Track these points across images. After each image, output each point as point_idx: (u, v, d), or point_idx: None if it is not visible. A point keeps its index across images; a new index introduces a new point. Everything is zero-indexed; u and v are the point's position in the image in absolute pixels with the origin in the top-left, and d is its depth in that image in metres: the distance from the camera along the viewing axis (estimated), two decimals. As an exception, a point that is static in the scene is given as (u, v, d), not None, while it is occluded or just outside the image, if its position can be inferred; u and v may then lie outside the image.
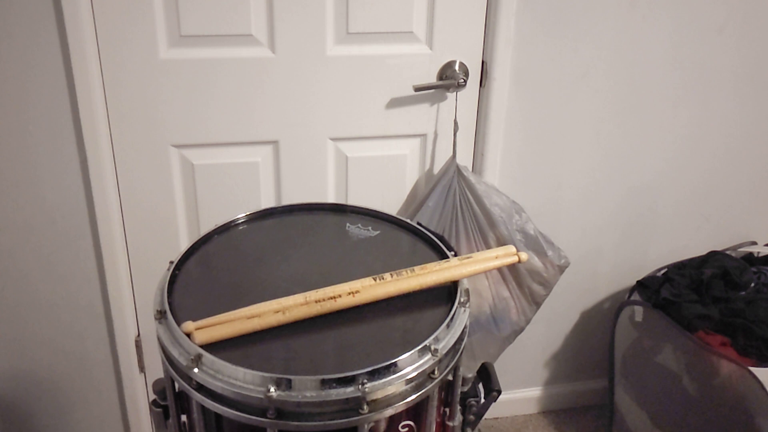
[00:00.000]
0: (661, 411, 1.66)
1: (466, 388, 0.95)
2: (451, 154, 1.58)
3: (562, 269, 1.63)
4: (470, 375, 0.96)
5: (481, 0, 1.49)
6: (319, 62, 1.46)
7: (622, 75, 1.62)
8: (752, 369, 1.42)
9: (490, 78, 1.55)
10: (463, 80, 1.52)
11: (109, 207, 1.48)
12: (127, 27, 1.35)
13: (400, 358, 0.78)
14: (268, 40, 1.43)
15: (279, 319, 0.83)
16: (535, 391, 2.03)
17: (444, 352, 0.82)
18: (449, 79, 1.52)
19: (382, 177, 1.61)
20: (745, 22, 1.62)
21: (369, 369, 0.76)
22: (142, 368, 1.68)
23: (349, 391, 0.75)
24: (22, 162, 1.41)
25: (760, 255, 1.82)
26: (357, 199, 1.61)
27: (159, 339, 0.83)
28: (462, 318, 0.87)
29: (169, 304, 0.86)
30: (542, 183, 1.71)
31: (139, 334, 1.65)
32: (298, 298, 0.86)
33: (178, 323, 0.81)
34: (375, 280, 0.89)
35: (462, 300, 0.89)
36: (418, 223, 1.07)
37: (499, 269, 1.60)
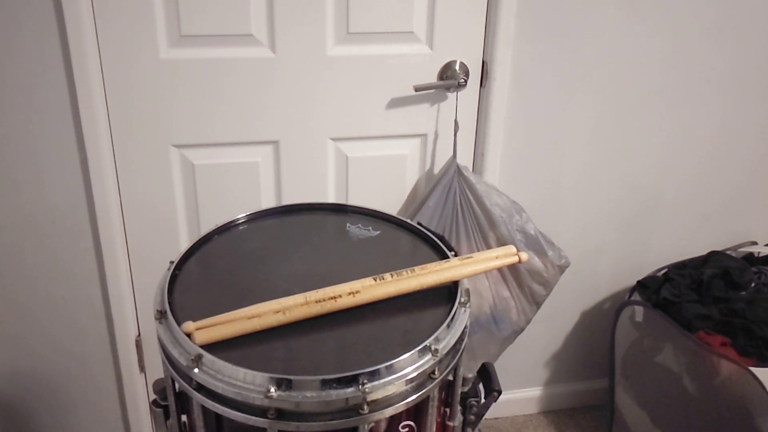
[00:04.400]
0: (661, 411, 1.66)
1: (466, 388, 0.95)
2: (451, 154, 1.58)
3: (562, 269, 1.63)
4: (470, 375, 0.96)
5: (482, 0, 1.49)
6: (319, 62, 1.46)
7: (621, 75, 1.62)
8: (752, 369, 1.42)
9: (491, 78, 1.55)
10: (463, 80, 1.52)
11: (110, 207, 1.48)
12: (127, 27, 1.35)
13: (401, 358, 0.78)
14: (269, 40, 1.43)
15: (279, 319, 0.83)
16: (535, 391, 2.03)
17: (444, 352, 0.81)
18: (449, 79, 1.52)
19: (383, 177, 1.61)
20: (744, 22, 1.62)
21: (369, 369, 0.75)
22: (142, 368, 1.68)
23: (349, 391, 0.75)
24: (22, 162, 1.41)
25: (761, 255, 1.82)
26: (357, 199, 1.61)
27: (159, 339, 0.83)
28: (462, 318, 0.87)
29: (170, 304, 0.86)
30: (542, 183, 1.71)
31: (139, 334, 1.65)
32: (298, 298, 0.86)
33: (179, 323, 0.81)
34: (375, 280, 0.89)
35: (462, 300, 0.89)
36: (419, 223, 1.07)
37: (500, 269, 1.60)
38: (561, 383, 2.04)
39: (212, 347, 0.79)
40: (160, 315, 0.85)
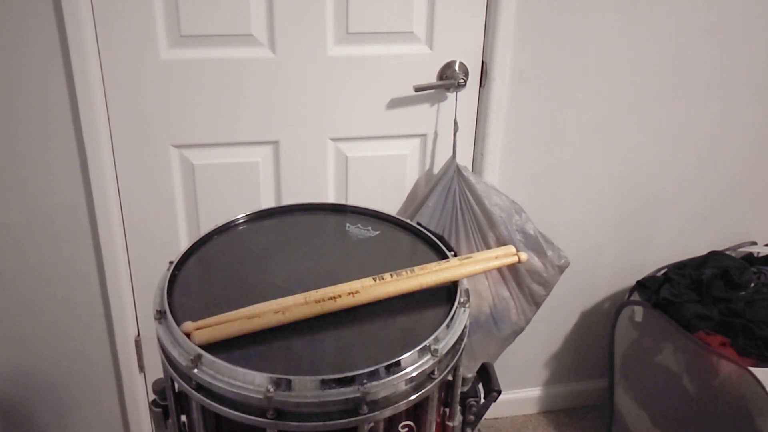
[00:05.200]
0: (661, 411, 1.66)
1: (466, 388, 0.95)
2: (451, 154, 1.58)
3: (561, 269, 1.63)
4: (470, 375, 0.96)
5: (481, 0, 1.49)
6: (319, 62, 1.46)
7: (620, 75, 1.62)
8: (752, 369, 1.42)
9: (490, 78, 1.55)
10: (463, 80, 1.52)
11: (109, 207, 1.48)
12: (127, 27, 1.35)
13: (400, 358, 0.78)
14: (269, 40, 1.43)
15: (279, 319, 0.83)
16: (535, 391, 2.03)
17: (444, 352, 0.81)
18: (449, 79, 1.52)
19: (382, 177, 1.61)
20: (742, 23, 1.62)
21: (369, 369, 0.76)
22: (141, 368, 1.68)
23: (348, 391, 0.75)
24: (22, 162, 1.41)
25: (760, 255, 1.82)
26: (357, 199, 1.61)
27: (159, 339, 0.83)
28: (462, 318, 0.87)
29: (169, 304, 0.86)
30: (542, 183, 1.71)
31: (139, 334, 1.65)
32: (298, 298, 0.86)
33: (178, 323, 0.82)
34: (375, 280, 0.89)
35: (462, 300, 0.89)
36: (418, 223, 1.07)
37: (499, 269, 1.60)
38: (561, 383, 2.04)
39: (212, 347, 0.79)
40: (160, 315, 0.85)
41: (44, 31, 1.31)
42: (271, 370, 0.75)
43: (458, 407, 0.96)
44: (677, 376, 1.58)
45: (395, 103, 1.54)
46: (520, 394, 2.02)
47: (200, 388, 0.78)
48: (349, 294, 0.87)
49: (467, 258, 0.94)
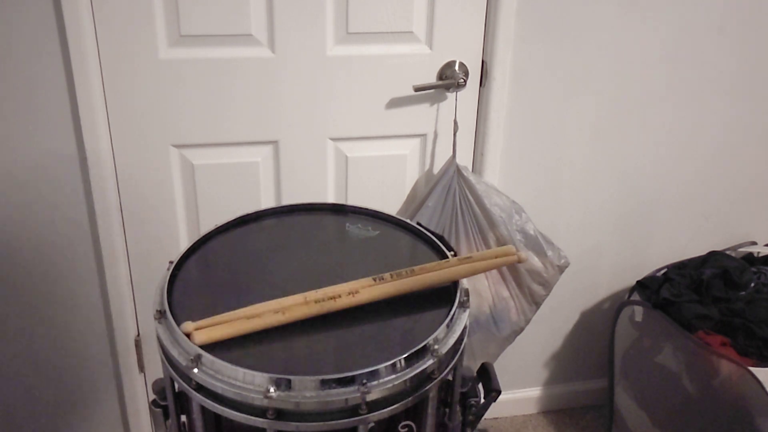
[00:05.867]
0: (661, 411, 1.66)
1: (465, 388, 0.95)
2: (450, 154, 1.58)
3: (561, 269, 1.63)
4: (470, 375, 0.96)
5: (481, 0, 1.49)
6: (319, 62, 1.46)
7: (621, 75, 1.62)
8: (752, 369, 1.42)
9: (490, 78, 1.55)
10: (462, 80, 1.52)
11: (109, 207, 1.48)
12: (127, 27, 1.35)
13: (400, 358, 0.78)
14: (268, 40, 1.43)
15: (279, 319, 0.84)
16: (534, 391, 2.03)
17: (444, 352, 0.81)
18: (449, 79, 1.52)
19: (382, 177, 1.61)
20: (745, 22, 1.62)
21: (369, 369, 0.76)
22: (141, 368, 1.68)
23: (348, 391, 0.75)
24: (22, 162, 1.41)
25: (760, 255, 1.82)
26: (357, 199, 1.61)
27: (159, 339, 0.83)
28: (462, 318, 0.87)
29: (169, 304, 0.86)
30: (542, 183, 1.71)
31: (138, 334, 1.65)
32: (297, 298, 0.86)
33: (178, 323, 0.82)
34: (375, 280, 0.89)
35: (462, 300, 0.89)
36: (418, 223, 1.07)
37: (499, 269, 1.60)
38: (560, 383, 2.04)
39: (212, 347, 0.79)
40: (160, 315, 0.85)
41: (44, 32, 1.31)
42: (271, 370, 0.75)
43: (458, 407, 0.96)
44: (677, 376, 1.58)
45: (395, 103, 1.54)
46: (520, 394, 2.02)
47: (200, 388, 0.78)
48: (349, 294, 0.87)
49: (467, 258, 0.94)
